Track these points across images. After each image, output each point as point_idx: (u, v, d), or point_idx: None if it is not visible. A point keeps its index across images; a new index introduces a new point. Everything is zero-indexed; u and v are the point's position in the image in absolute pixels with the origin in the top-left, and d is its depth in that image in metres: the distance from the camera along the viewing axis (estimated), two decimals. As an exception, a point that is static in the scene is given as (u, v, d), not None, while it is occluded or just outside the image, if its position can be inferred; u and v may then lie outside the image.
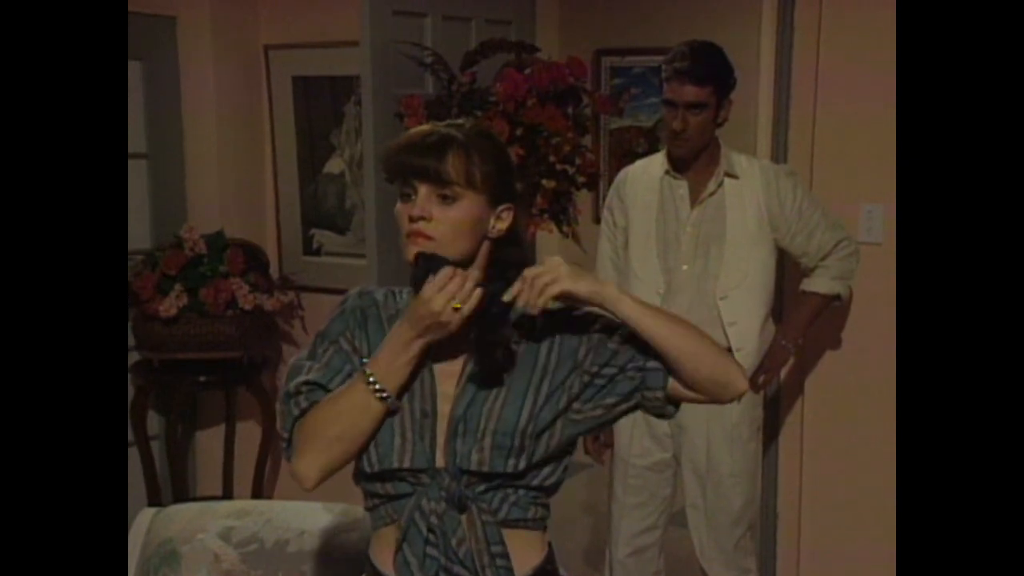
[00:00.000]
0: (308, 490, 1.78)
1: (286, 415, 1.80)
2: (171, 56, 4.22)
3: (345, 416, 1.74)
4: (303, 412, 1.78)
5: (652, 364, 1.78)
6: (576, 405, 1.79)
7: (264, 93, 4.35)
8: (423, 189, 1.73)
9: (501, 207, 1.77)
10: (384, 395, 1.72)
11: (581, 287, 1.73)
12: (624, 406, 1.82)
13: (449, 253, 1.74)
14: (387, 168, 1.79)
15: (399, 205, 1.76)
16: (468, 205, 1.73)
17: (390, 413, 1.74)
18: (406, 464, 1.74)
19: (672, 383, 1.79)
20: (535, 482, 1.78)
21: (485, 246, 1.78)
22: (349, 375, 1.79)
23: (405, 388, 1.75)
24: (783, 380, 3.57)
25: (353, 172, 4.22)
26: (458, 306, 1.69)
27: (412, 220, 1.73)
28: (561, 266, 1.73)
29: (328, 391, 1.78)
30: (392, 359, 1.73)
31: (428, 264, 1.72)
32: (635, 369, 1.78)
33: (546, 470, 1.79)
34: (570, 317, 1.82)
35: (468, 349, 1.79)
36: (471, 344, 1.78)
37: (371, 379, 1.72)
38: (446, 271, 1.70)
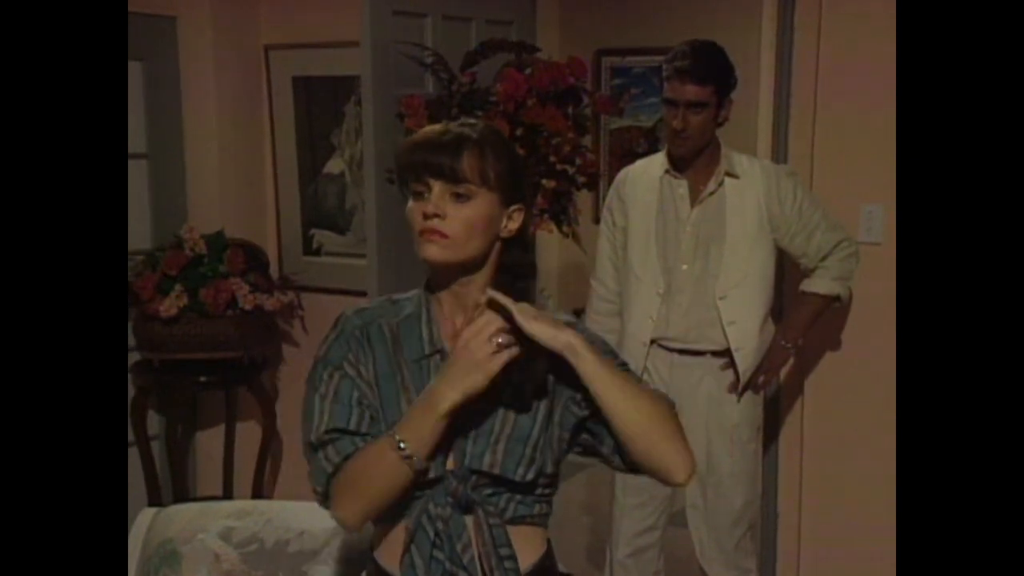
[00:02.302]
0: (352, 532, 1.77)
1: (317, 471, 1.76)
2: (171, 56, 4.22)
3: (381, 479, 1.71)
4: (336, 469, 1.75)
5: (599, 432, 1.79)
6: (565, 436, 1.80)
7: (264, 93, 4.35)
8: (437, 187, 1.72)
9: (513, 207, 1.77)
10: (413, 460, 1.68)
11: (536, 329, 1.67)
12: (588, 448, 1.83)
13: (463, 252, 1.73)
14: (400, 166, 1.78)
15: (411, 204, 1.76)
16: (482, 203, 1.73)
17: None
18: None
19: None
20: (537, 490, 1.79)
21: (496, 247, 1.78)
22: (360, 403, 1.76)
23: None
24: (783, 380, 3.57)
25: (353, 172, 4.22)
26: (497, 348, 1.66)
27: (426, 217, 1.72)
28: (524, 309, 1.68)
29: (351, 433, 1.75)
30: (422, 424, 1.68)
31: None
32: (597, 419, 1.77)
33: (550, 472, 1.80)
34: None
35: None
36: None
37: (401, 445, 1.68)
38: (485, 316, 1.67)
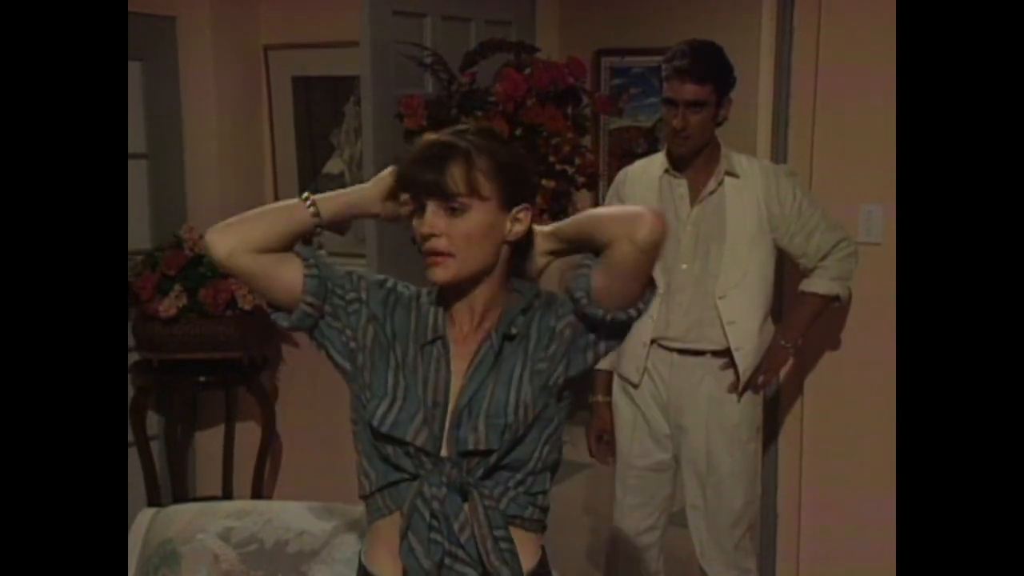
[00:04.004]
0: (217, 259, 1.85)
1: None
2: (171, 56, 4.21)
3: (272, 214, 1.86)
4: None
5: (581, 271, 1.76)
6: (541, 357, 1.79)
7: (264, 93, 4.35)
8: (430, 204, 1.73)
9: (517, 208, 1.77)
10: (311, 209, 1.83)
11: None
12: (564, 322, 1.78)
13: (468, 266, 1.74)
14: (401, 185, 1.79)
15: (415, 220, 1.76)
16: (478, 214, 1.72)
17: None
18: (419, 442, 1.75)
19: (597, 287, 1.73)
20: (530, 465, 1.78)
21: (505, 251, 1.78)
22: (332, 291, 1.86)
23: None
24: (783, 380, 3.57)
25: (353, 172, 4.22)
26: None
27: (424, 239, 1.73)
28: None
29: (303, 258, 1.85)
30: (338, 195, 1.88)
31: None
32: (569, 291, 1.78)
33: (535, 451, 1.78)
34: (555, 301, 1.82)
35: (480, 346, 1.79)
36: (483, 342, 1.79)
37: (307, 198, 1.84)
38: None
